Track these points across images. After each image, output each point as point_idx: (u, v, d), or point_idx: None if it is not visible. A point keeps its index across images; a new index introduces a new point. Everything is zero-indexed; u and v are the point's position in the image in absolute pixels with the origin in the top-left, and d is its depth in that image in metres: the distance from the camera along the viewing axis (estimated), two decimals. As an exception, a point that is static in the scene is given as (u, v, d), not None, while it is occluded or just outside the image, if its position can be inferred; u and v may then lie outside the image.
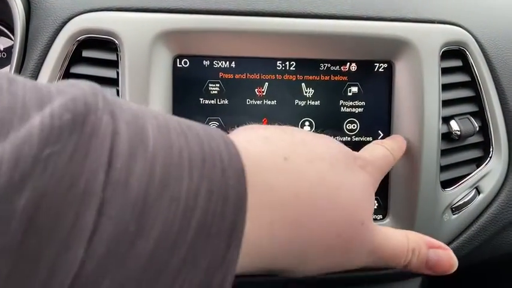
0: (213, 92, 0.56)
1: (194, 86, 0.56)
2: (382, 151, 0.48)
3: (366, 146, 0.50)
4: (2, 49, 0.70)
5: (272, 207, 0.31)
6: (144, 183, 0.24)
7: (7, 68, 0.68)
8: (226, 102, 0.56)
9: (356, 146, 0.58)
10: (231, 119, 0.56)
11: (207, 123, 0.56)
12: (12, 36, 0.68)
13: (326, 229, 0.34)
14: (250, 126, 0.38)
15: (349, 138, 0.59)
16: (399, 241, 0.40)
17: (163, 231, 0.24)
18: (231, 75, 0.56)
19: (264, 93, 0.57)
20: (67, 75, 0.54)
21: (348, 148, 0.41)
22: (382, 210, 0.60)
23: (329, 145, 0.39)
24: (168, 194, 0.25)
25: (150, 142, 0.25)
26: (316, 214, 0.33)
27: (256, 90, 0.57)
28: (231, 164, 0.28)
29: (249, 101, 0.57)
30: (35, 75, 0.54)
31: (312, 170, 0.34)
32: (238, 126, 0.55)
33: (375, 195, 0.59)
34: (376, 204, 0.60)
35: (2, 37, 0.70)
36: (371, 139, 0.59)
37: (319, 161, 0.35)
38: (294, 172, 0.33)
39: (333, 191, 0.35)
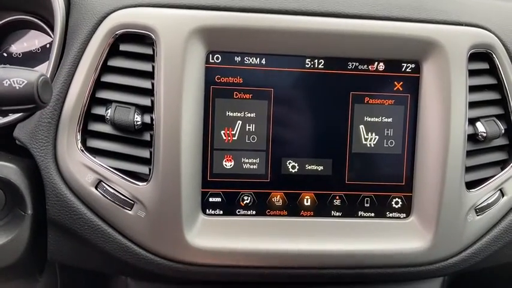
0: (244, 87, 0.57)
1: (226, 81, 0.57)
2: None
3: None
4: (37, 44, 0.73)
5: None
6: None
7: (43, 64, 0.71)
8: (257, 97, 0.58)
9: (381, 142, 0.60)
10: (263, 113, 0.58)
11: (243, 117, 0.58)
12: (50, 32, 0.70)
13: None
14: None
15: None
16: None
17: None
18: (262, 71, 0.58)
19: (293, 89, 0.58)
20: (105, 68, 0.56)
21: None
22: (406, 209, 0.61)
23: None
24: None
25: None
26: None
27: (285, 86, 0.58)
28: None
29: (279, 97, 0.58)
30: (74, 67, 0.56)
31: None
32: (273, 121, 0.57)
33: (400, 194, 0.61)
34: (400, 203, 0.61)
35: (37, 32, 0.72)
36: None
37: None
38: None
39: None
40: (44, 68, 0.72)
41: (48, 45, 0.72)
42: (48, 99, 0.46)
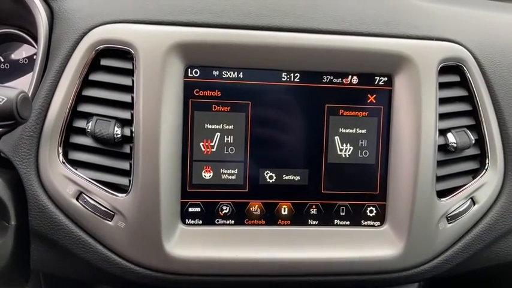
0: (222, 100, 0.59)
1: (204, 94, 0.59)
2: None
3: None
4: (24, 56, 0.74)
5: None
6: None
7: (29, 76, 0.72)
8: (235, 110, 0.59)
9: (355, 152, 0.62)
10: (241, 125, 0.60)
11: (222, 129, 0.59)
12: (34, 44, 0.72)
13: None
14: None
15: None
16: None
17: None
18: (240, 84, 0.59)
19: (270, 102, 0.60)
20: (86, 82, 0.58)
21: None
22: (380, 218, 0.63)
23: None
24: None
25: None
26: None
27: (262, 99, 0.60)
28: None
29: (256, 110, 0.60)
30: (56, 81, 0.58)
31: None
32: (250, 133, 0.59)
33: (374, 203, 0.63)
34: (375, 212, 0.63)
35: (25, 44, 0.74)
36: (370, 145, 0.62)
37: None
38: None
39: None
40: (29, 79, 0.74)
41: (34, 56, 0.73)
42: (27, 115, 0.47)
